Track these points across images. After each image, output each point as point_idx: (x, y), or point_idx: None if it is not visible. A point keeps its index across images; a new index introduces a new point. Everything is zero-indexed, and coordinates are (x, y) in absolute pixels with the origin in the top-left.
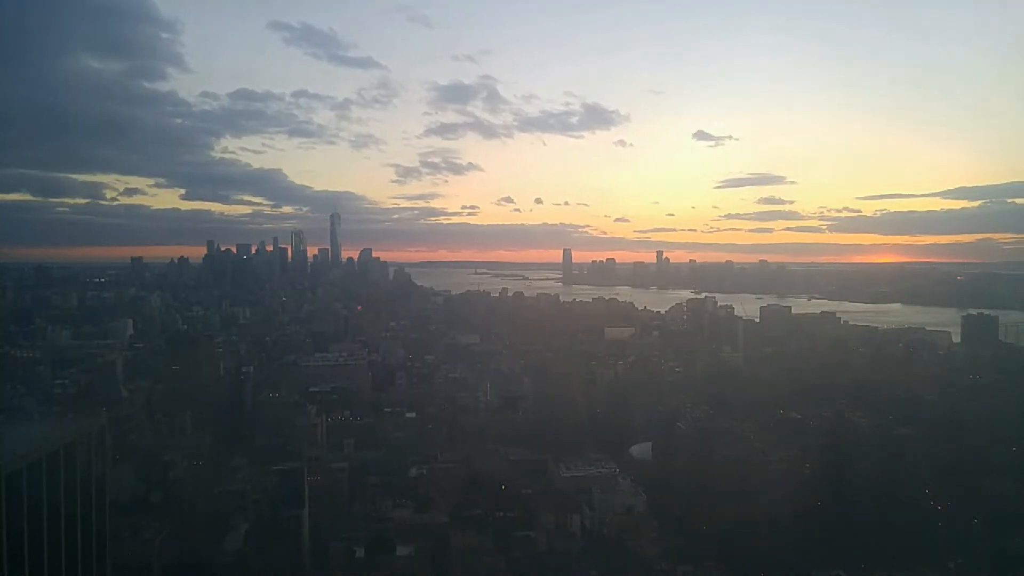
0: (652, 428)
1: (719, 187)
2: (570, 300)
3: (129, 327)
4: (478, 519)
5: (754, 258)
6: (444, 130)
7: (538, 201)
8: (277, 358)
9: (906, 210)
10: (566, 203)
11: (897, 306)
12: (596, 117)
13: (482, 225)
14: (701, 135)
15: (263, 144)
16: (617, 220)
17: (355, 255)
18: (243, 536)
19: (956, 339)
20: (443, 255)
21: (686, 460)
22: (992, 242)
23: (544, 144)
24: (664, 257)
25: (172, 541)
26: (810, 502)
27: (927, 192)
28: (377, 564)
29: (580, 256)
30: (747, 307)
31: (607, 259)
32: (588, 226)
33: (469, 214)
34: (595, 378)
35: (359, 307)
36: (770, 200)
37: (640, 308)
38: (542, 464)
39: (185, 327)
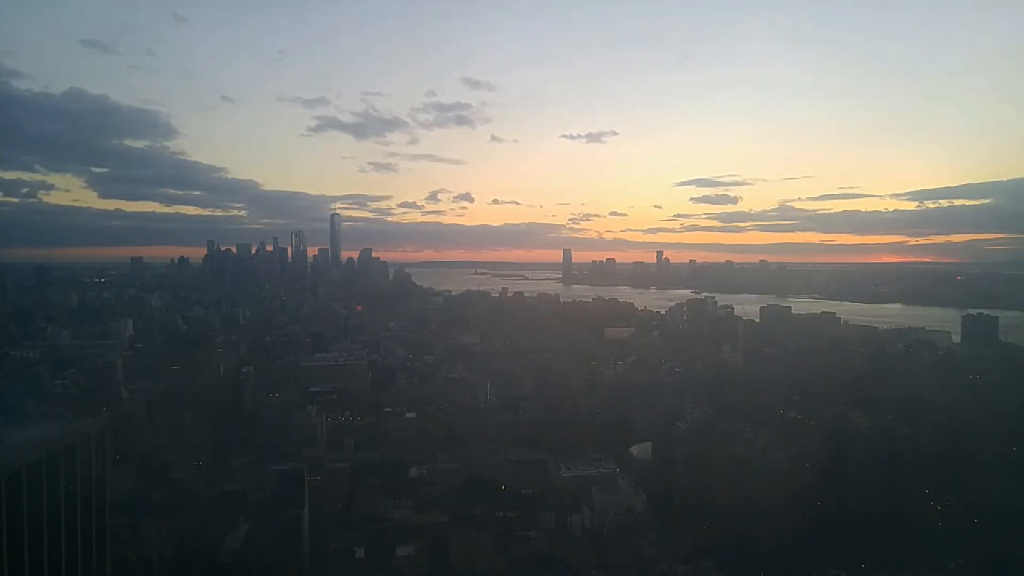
0: (652, 428)
1: (678, 186)
2: (570, 300)
3: (129, 327)
4: (478, 519)
5: (723, 257)
6: (316, 131)
7: (463, 197)
8: (277, 358)
9: (852, 210)
10: (495, 201)
11: (897, 306)
12: (448, 113)
13: (465, 226)
14: (569, 135)
15: (147, 144)
16: (571, 219)
17: (355, 255)
18: (243, 536)
19: (956, 339)
20: (430, 255)
21: (686, 460)
22: (977, 243)
23: (417, 141)
24: (664, 257)
25: (172, 541)
26: (810, 502)
27: (870, 193)
28: (377, 564)
29: (579, 256)
30: (747, 307)
31: (607, 259)
32: (563, 226)
33: (425, 214)
34: (595, 378)
35: (359, 307)
36: (715, 199)
37: (640, 308)
38: (542, 464)
39: (185, 327)
